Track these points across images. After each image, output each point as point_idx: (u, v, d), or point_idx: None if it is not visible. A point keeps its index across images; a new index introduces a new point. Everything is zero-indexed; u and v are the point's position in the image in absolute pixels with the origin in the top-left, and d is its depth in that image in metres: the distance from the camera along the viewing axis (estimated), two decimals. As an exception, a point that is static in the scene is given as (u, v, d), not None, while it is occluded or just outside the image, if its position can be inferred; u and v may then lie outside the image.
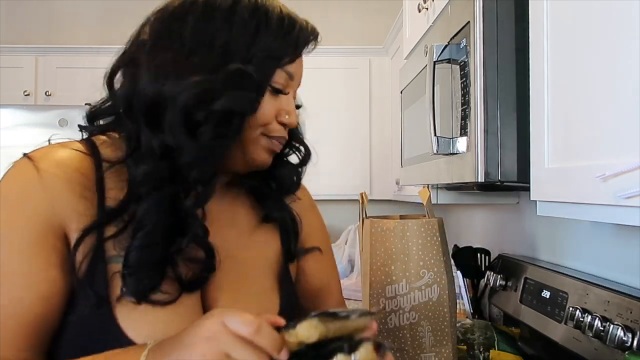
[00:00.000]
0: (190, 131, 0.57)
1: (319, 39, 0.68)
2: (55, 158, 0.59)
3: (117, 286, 0.56)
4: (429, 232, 0.97)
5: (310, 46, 0.67)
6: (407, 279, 0.95)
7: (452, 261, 1.64)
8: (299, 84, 0.71)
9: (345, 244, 2.57)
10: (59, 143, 0.63)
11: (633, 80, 0.57)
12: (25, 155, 0.60)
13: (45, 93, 2.61)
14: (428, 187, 1.16)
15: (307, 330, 0.52)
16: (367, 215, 1.07)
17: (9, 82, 2.61)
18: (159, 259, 0.57)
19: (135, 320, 0.57)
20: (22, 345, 0.53)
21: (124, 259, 0.55)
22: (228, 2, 0.61)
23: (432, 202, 1.75)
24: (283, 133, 0.68)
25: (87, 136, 0.66)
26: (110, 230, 0.57)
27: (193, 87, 0.57)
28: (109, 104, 0.64)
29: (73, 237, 0.56)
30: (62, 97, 2.60)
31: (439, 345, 0.95)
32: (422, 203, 1.07)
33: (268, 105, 0.64)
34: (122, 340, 0.55)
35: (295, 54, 0.65)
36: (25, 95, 2.60)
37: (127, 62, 0.62)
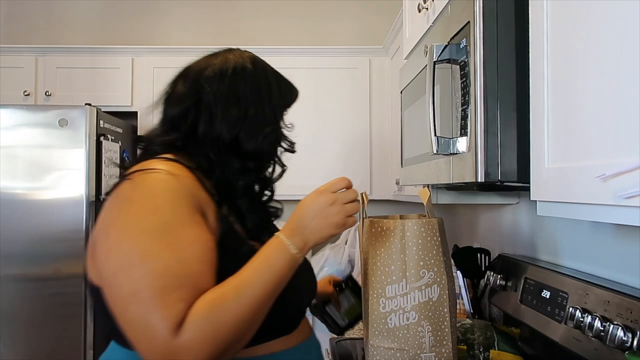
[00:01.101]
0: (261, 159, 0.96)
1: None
2: (174, 168, 0.84)
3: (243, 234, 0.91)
4: (428, 232, 0.97)
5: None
6: (407, 278, 0.95)
7: (452, 261, 1.64)
8: None
9: (345, 244, 2.57)
10: (156, 160, 0.86)
11: (633, 80, 0.57)
12: (147, 169, 0.82)
13: (45, 93, 2.61)
14: (428, 187, 1.16)
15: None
16: (367, 215, 1.07)
17: (9, 82, 2.61)
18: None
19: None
20: (214, 279, 0.79)
21: (254, 223, 0.92)
22: (263, 73, 0.96)
23: (432, 202, 1.75)
24: None
25: (150, 155, 0.90)
26: (224, 209, 0.89)
27: (267, 137, 0.92)
28: (172, 135, 0.91)
29: (207, 214, 0.83)
30: (62, 97, 2.60)
31: (439, 345, 0.95)
32: (422, 203, 1.07)
33: None
34: None
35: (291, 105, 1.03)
36: (25, 95, 2.59)
37: (195, 108, 0.91)
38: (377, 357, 0.97)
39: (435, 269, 0.95)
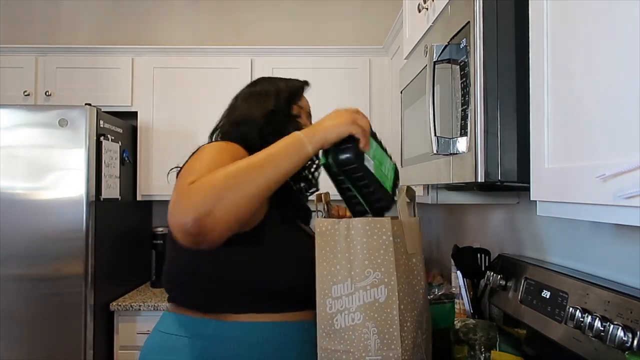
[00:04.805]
0: None
1: (309, 85, 1.30)
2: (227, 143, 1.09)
3: None
4: (375, 231, 0.93)
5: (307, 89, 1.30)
6: (352, 278, 0.92)
7: (453, 261, 1.64)
8: (309, 113, 1.30)
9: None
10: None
11: (633, 80, 0.57)
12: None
13: (45, 93, 2.61)
14: (410, 188, 1.12)
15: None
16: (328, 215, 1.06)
17: (9, 82, 2.61)
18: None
19: None
20: None
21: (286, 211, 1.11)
22: (282, 91, 1.24)
23: (432, 202, 1.75)
24: None
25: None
26: None
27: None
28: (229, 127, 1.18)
29: None
30: (62, 97, 2.61)
31: (386, 348, 0.90)
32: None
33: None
34: None
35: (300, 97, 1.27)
36: (25, 95, 2.60)
37: (240, 114, 1.19)
38: None
39: (383, 269, 0.91)
